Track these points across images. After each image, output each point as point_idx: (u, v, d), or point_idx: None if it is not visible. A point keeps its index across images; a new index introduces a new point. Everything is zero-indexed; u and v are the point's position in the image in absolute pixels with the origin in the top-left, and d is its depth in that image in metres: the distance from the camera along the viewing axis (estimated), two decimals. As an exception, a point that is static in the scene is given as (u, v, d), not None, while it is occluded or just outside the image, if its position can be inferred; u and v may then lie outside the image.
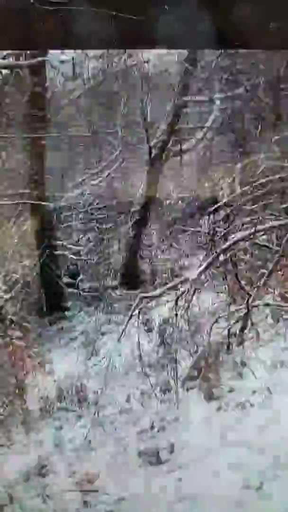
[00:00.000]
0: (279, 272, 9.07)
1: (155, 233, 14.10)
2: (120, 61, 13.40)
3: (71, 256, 13.02)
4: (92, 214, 14.51)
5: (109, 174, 14.48)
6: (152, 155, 13.07)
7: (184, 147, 13.88)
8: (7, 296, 9.23)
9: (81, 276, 13.07)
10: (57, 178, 14.21)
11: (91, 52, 10.42)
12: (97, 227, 14.37)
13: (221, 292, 9.63)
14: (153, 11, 2.69)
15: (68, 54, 11.17)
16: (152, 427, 7.35)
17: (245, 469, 6.03)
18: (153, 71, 14.75)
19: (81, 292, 12.48)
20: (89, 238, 14.16)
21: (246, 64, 12.94)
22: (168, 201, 14.74)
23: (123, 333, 8.13)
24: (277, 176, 9.65)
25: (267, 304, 8.55)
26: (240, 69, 13.13)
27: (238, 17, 2.71)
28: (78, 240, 14.03)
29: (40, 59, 10.55)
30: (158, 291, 9.07)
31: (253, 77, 12.70)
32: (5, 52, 10.30)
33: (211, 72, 13.70)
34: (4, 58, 10.51)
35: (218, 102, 13.54)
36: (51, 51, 10.94)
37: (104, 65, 12.54)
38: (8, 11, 2.71)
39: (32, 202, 11.42)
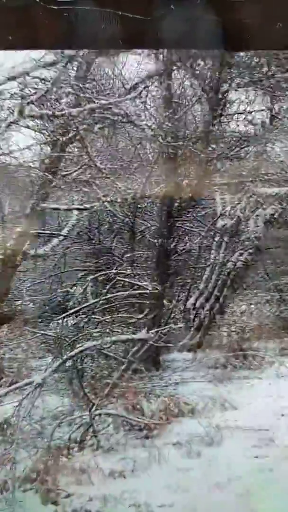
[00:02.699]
0: (123, 384, 9.58)
1: (5, 331, 14.13)
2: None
3: None
4: None
5: None
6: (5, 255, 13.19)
7: (40, 251, 14.17)
8: None
9: None
10: None
11: None
12: None
13: (66, 397, 9.89)
14: (158, 11, 2.72)
15: None
16: (-16, 528, 7.23)
17: None
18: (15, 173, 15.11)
19: None
20: None
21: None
22: (20, 302, 14.93)
23: None
24: (129, 292, 10.38)
25: (109, 414, 8.92)
26: (98, 184, 13.80)
27: (242, 17, 2.77)
28: None
29: None
30: (2, 391, 9.21)
31: (111, 193, 13.40)
32: None
33: (70, 183, 14.32)
34: None
35: (76, 212, 14.10)
36: None
37: None
38: (13, 10, 2.74)
39: None
